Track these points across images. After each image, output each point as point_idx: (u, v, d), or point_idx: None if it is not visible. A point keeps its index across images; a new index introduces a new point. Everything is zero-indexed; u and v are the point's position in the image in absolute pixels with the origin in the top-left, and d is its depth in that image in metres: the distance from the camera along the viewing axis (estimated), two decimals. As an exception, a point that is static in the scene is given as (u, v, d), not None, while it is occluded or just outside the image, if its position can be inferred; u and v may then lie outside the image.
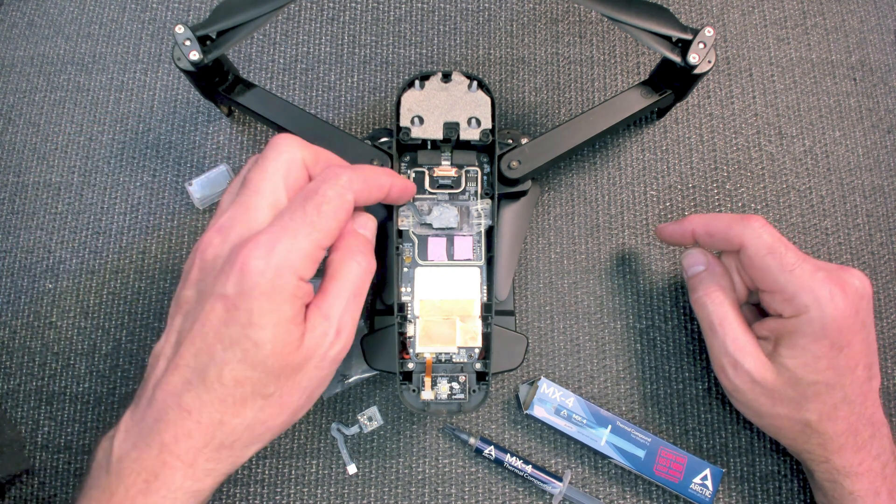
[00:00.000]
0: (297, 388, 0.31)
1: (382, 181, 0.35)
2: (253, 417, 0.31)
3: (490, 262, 0.41)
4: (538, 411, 0.43)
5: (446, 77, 0.43)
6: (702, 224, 0.40)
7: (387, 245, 0.42)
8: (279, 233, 0.30)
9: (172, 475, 0.30)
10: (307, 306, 0.31)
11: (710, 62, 0.41)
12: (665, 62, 0.42)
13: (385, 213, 0.42)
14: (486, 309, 0.40)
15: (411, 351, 0.40)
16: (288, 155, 0.32)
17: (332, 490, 0.43)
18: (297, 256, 0.30)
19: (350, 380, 0.44)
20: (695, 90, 0.50)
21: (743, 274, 0.40)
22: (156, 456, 0.30)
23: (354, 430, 0.44)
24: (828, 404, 0.37)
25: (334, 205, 0.31)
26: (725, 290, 0.40)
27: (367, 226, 0.35)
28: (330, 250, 0.34)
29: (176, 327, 0.32)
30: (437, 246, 0.41)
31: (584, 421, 0.43)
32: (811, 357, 0.36)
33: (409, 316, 0.40)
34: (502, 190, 0.42)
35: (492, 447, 0.43)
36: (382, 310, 0.42)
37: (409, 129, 0.41)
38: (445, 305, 0.40)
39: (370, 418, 0.43)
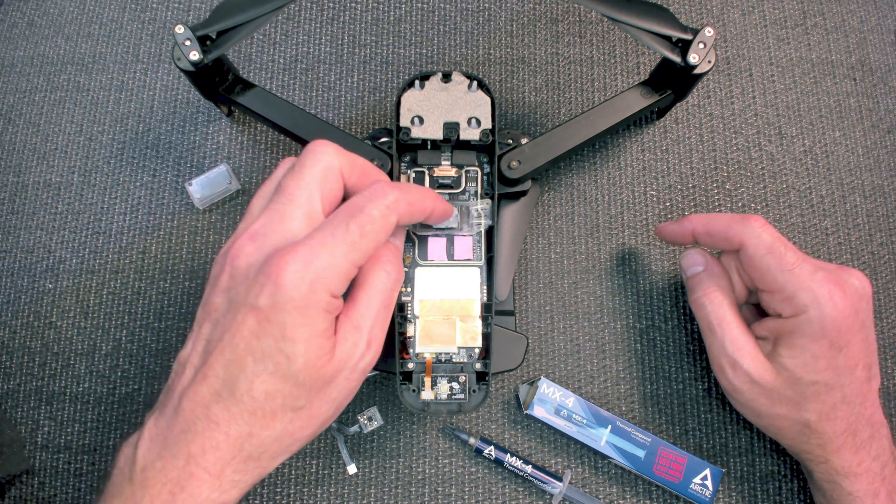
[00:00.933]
0: (326, 400, 0.31)
1: (427, 204, 0.34)
2: (282, 430, 0.30)
3: (490, 262, 0.41)
4: (538, 411, 0.43)
5: (446, 77, 0.43)
6: (702, 223, 0.40)
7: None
8: (318, 248, 0.29)
9: (199, 487, 0.29)
10: (337, 317, 0.31)
11: (710, 62, 0.41)
12: (665, 62, 0.42)
13: None
14: (486, 309, 0.40)
15: (411, 351, 0.40)
16: (325, 163, 0.32)
17: (332, 490, 0.43)
18: (332, 274, 0.29)
19: (350, 380, 0.44)
20: (695, 90, 0.50)
21: (742, 274, 0.40)
22: (182, 467, 0.29)
23: (354, 429, 0.44)
24: (827, 404, 0.37)
25: (377, 226, 0.30)
26: (724, 290, 0.40)
27: (398, 235, 0.35)
28: None
29: (204, 335, 0.31)
30: (437, 246, 0.41)
31: (584, 421, 0.43)
32: (810, 357, 0.36)
33: (409, 316, 0.40)
34: (502, 190, 0.42)
35: (492, 447, 0.43)
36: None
37: (409, 129, 0.41)
38: (445, 305, 0.40)
39: (370, 418, 0.43)
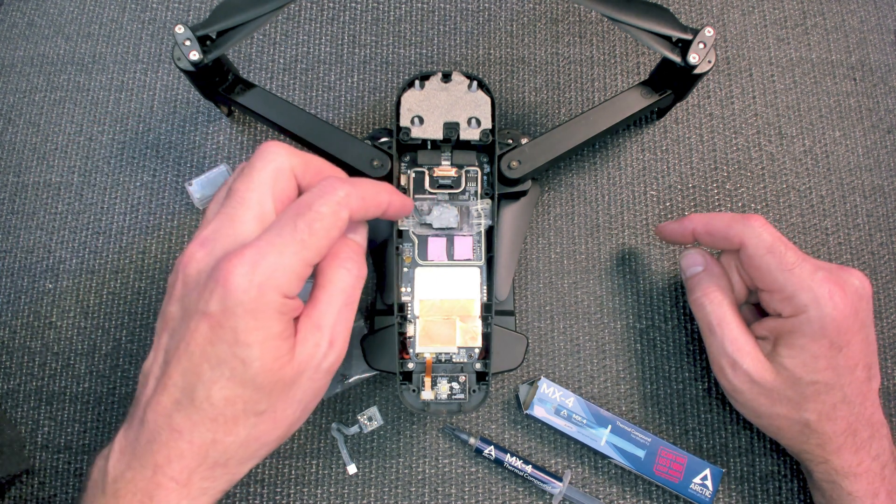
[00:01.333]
0: (291, 402, 0.31)
1: (381, 198, 0.33)
2: (247, 435, 0.30)
3: (490, 262, 0.41)
4: (538, 411, 0.43)
5: (446, 77, 0.43)
6: (702, 223, 0.40)
7: (387, 246, 0.42)
8: (265, 248, 0.29)
9: (167, 496, 0.29)
10: (299, 317, 0.31)
11: (710, 62, 0.41)
12: (665, 62, 0.42)
13: (389, 231, 0.42)
14: (486, 309, 0.40)
15: (411, 351, 0.40)
16: (276, 164, 0.31)
17: (332, 490, 0.43)
18: (282, 274, 0.29)
19: (350, 380, 0.44)
20: (695, 90, 0.50)
21: (742, 273, 0.40)
22: (150, 477, 0.29)
23: (354, 430, 0.44)
24: (827, 404, 0.37)
25: (327, 222, 0.30)
26: (724, 290, 0.40)
27: (359, 231, 0.34)
28: None
29: (163, 345, 0.31)
30: (437, 246, 0.41)
31: (584, 421, 0.43)
32: (810, 357, 0.36)
33: (409, 316, 0.40)
34: (502, 190, 0.42)
35: (492, 447, 0.43)
36: (382, 310, 0.42)
37: (409, 129, 0.41)
38: (445, 305, 0.40)
39: (370, 418, 0.43)
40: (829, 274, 0.36)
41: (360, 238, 0.34)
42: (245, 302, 0.28)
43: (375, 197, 0.33)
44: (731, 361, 0.38)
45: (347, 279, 0.32)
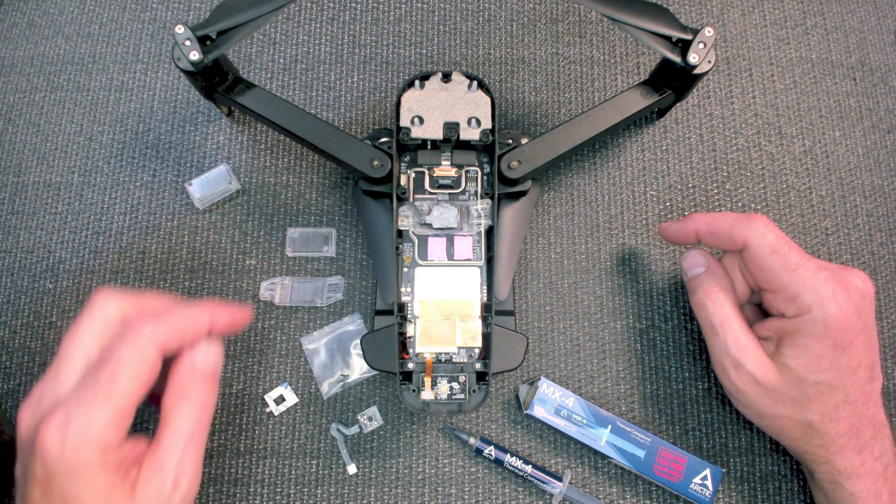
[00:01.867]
0: None
1: (198, 322, 0.32)
2: None
3: (490, 262, 0.41)
4: (538, 411, 0.43)
5: (446, 77, 0.43)
6: (705, 223, 0.40)
7: (385, 245, 0.42)
8: (73, 407, 0.28)
9: None
10: (144, 457, 0.31)
11: (710, 62, 0.41)
12: (665, 62, 0.42)
13: (389, 231, 0.42)
14: (486, 309, 0.40)
15: (411, 351, 0.40)
16: (102, 312, 0.31)
17: (332, 490, 0.43)
18: (95, 429, 0.28)
19: (350, 380, 0.44)
20: (695, 90, 0.50)
21: (745, 273, 0.40)
22: None
23: (354, 430, 0.44)
24: (830, 405, 0.37)
25: (131, 368, 0.29)
26: (726, 290, 0.39)
27: (208, 354, 0.33)
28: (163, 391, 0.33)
29: None
30: (437, 246, 0.41)
31: (584, 421, 0.43)
32: (814, 357, 0.36)
33: (409, 316, 0.40)
34: (502, 190, 0.42)
35: (492, 447, 0.43)
36: (382, 310, 0.42)
37: (409, 129, 0.41)
38: (445, 305, 0.40)
39: (370, 418, 0.43)
40: (833, 274, 0.36)
41: (209, 362, 0.33)
42: (62, 464, 0.28)
43: (189, 323, 0.32)
44: (734, 362, 0.38)
45: (189, 415, 0.31)
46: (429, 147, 0.43)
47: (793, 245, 0.37)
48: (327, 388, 0.44)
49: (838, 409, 0.37)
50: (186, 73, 0.40)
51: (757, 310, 0.42)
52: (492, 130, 0.42)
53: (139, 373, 0.30)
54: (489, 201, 0.42)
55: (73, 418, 0.28)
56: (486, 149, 0.43)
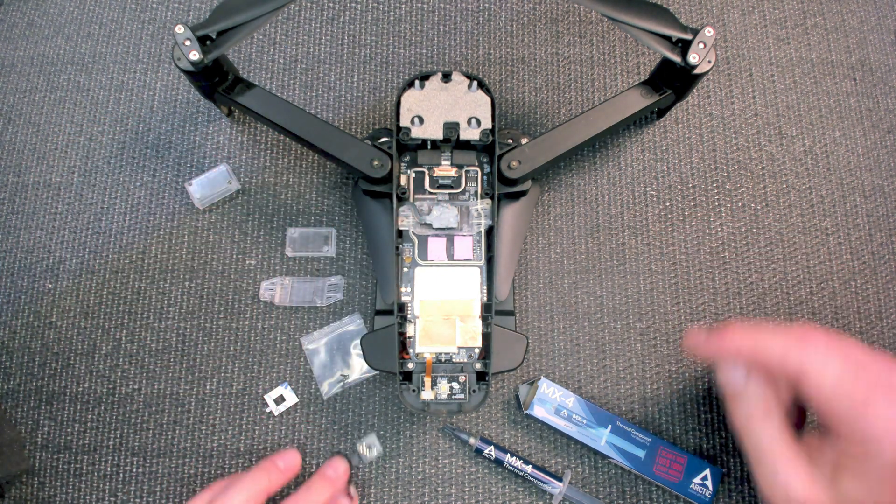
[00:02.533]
0: None
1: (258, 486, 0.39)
2: None
3: (490, 262, 0.41)
4: (538, 411, 0.43)
5: (446, 77, 0.43)
6: (749, 344, 0.33)
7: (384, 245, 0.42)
8: None
9: None
10: None
11: (710, 62, 0.41)
12: (665, 62, 0.42)
13: (389, 231, 0.42)
14: (486, 309, 0.40)
15: (411, 351, 0.40)
16: None
17: (332, 490, 0.43)
18: None
19: (350, 380, 0.44)
20: (695, 90, 0.50)
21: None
22: None
23: (355, 461, 0.43)
24: None
25: None
26: (772, 408, 0.33)
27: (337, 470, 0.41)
28: None
29: None
30: (437, 246, 0.41)
31: (584, 421, 0.43)
32: (876, 482, 0.30)
33: (409, 316, 0.40)
34: (502, 190, 0.42)
35: (492, 447, 0.43)
36: (382, 310, 0.42)
37: (409, 129, 0.41)
38: (445, 305, 0.40)
39: (369, 447, 0.43)
40: None
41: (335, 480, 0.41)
42: None
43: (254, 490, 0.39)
44: (783, 494, 0.32)
45: None
46: (429, 147, 0.43)
47: (861, 364, 0.31)
48: (327, 388, 0.44)
49: None
50: (186, 73, 0.40)
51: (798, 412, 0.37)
52: (492, 130, 0.42)
53: None
54: (489, 201, 0.42)
55: None
56: (486, 149, 0.43)
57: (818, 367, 0.31)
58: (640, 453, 0.42)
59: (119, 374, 0.45)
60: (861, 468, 0.31)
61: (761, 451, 0.33)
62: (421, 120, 0.42)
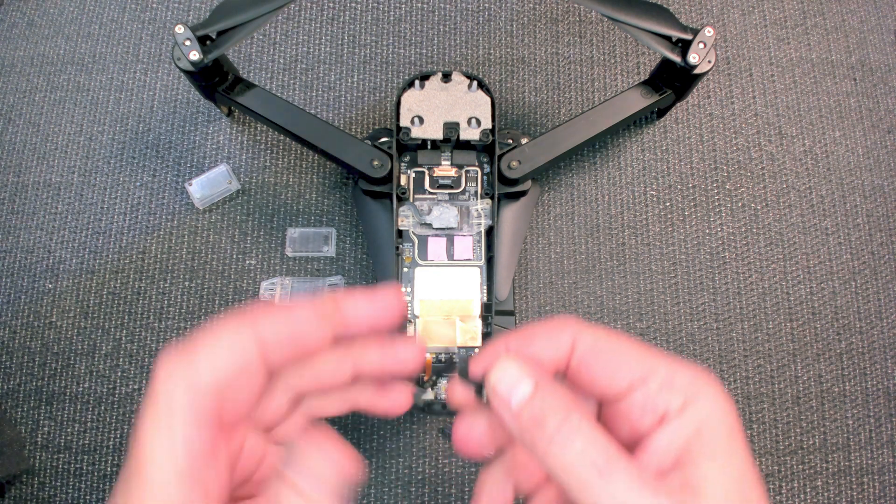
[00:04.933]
0: None
1: (302, 317, 0.23)
2: None
3: (490, 262, 0.41)
4: (538, 411, 0.43)
5: (446, 77, 0.43)
6: (514, 343, 0.24)
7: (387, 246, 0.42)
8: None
9: None
10: None
11: (710, 62, 0.41)
12: (665, 62, 0.42)
13: (388, 217, 0.42)
14: (486, 309, 0.40)
15: (411, 351, 0.40)
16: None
17: (332, 490, 0.43)
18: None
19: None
20: (695, 90, 0.50)
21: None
22: None
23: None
24: None
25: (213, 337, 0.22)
26: (581, 410, 0.22)
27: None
28: None
29: None
30: (437, 246, 0.41)
31: (584, 421, 0.43)
32: (738, 469, 0.22)
33: (409, 316, 0.40)
34: (502, 190, 0.42)
35: (492, 447, 0.43)
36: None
37: (409, 129, 0.41)
38: (445, 305, 0.40)
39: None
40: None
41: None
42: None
43: (294, 319, 0.23)
44: None
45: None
46: (429, 147, 0.43)
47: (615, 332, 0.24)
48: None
49: None
50: (186, 73, 0.40)
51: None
52: (492, 130, 0.42)
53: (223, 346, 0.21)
54: (489, 201, 0.42)
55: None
56: (486, 149, 0.43)
57: (580, 330, 0.24)
58: (640, 453, 0.42)
59: (119, 374, 0.45)
60: (705, 443, 0.22)
61: (597, 474, 0.21)
62: (421, 120, 0.42)
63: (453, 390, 0.25)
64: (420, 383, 0.39)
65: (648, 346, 0.24)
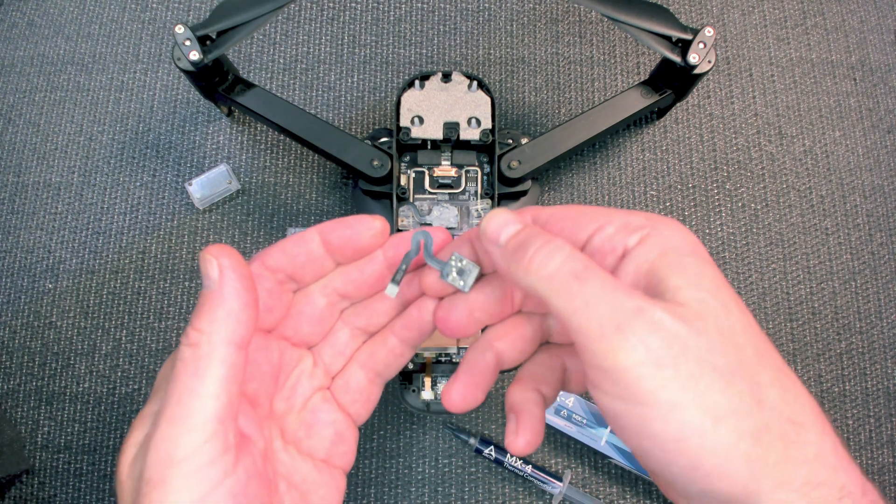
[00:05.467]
0: None
1: (305, 240, 0.26)
2: None
3: (490, 262, 0.41)
4: (538, 411, 0.43)
5: (446, 77, 0.43)
6: (473, 235, 0.26)
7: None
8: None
9: None
10: None
11: (710, 62, 0.41)
12: (665, 62, 0.42)
13: (388, 217, 0.42)
14: (486, 309, 0.40)
15: (411, 351, 0.40)
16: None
17: (332, 490, 0.43)
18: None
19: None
20: (695, 90, 0.50)
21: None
22: None
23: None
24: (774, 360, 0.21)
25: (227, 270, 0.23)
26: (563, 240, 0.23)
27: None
28: None
29: None
30: (437, 246, 0.41)
31: (584, 421, 0.43)
32: (711, 280, 0.21)
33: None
34: (502, 190, 0.42)
35: (492, 447, 0.43)
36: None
37: (409, 129, 0.41)
38: (445, 305, 0.40)
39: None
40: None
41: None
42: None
43: (298, 243, 0.26)
44: (638, 308, 0.20)
45: None
46: (429, 147, 0.43)
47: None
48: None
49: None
50: (186, 73, 0.40)
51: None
52: (492, 130, 0.42)
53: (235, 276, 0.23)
54: (489, 201, 0.42)
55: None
56: (486, 149, 0.43)
57: (541, 210, 0.25)
58: (640, 453, 0.42)
59: (119, 374, 0.45)
60: (671, 258, 0.22)
61: (575, 278, 0.21)
62: (421, 120, 0.42)
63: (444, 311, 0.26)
64: (419, 383, 0.39)
65: (612, 207, 0.24)
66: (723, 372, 0.20)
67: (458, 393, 0.25)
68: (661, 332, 0.20)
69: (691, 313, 0.20)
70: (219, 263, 0.22)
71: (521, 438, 0.25)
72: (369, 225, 0.26)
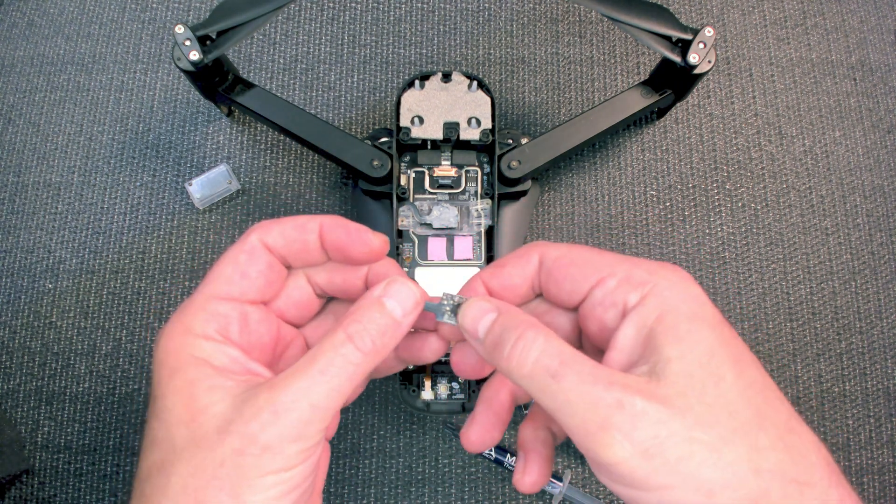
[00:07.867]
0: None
1: (305, 225, 0.26)
2: None
3: (490, 262, 0.41)
4: (538, 411, 0.43)
5: (446, 77, 0.43)
6: (487, 281, 0.27)
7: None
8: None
9: None
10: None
11: (710, 62, 0.41)
12: (665, 62, 0.42)
13: (388, 217, 0.42)
14: (486, 309, 0.40)
15: (411, 351, 0.40)
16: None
17: (332, 490, 0.43)
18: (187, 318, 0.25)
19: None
20: (695, 90, 0.50)
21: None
22: None
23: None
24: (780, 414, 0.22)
25: (229, 256, 0.25)
26: (539, 326, 0.23)
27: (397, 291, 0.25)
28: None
29: None
30: (437, 246, 0.41)
31: (584, 421, 0.43)
32: (706, 347, 0.21)
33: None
34: (502, 190, 0.42)
35: (492, 447, 0.43)
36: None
37: (409, 129, 0.41)
38: (445, 305, 0.40)
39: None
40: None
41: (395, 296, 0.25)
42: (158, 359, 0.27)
43: (297, 225, 0.26)
44: (617, 402, 0.20)
45: (340, 365, 0.23)
46: (429, 147, 0.43)
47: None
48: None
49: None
50: (186, 73, 0.40)
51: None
52: (492, 130, 0.42)
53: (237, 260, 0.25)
54: (489, 201, 0.42)
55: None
56: (486, 149, 0.43)
57: (545, 247, 0.26)
58: (640, 453, 0.42)
59: (119, 374, 0.45)
60: (668, 326, 0.22)
61: (553, 376, 0.21)
62: (421, 120, 0.42)
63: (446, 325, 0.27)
64: (419, 382, 0.39)
65: (615, 252, 0.25)
66: (713, 445, 0.20)
67: (477, 435, 0.26)
68: (643, 422, 0.20)
69: (674, 391, 0.21)
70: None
71: (527, 478, 0.26)
72: (367, 240, 0.26)
